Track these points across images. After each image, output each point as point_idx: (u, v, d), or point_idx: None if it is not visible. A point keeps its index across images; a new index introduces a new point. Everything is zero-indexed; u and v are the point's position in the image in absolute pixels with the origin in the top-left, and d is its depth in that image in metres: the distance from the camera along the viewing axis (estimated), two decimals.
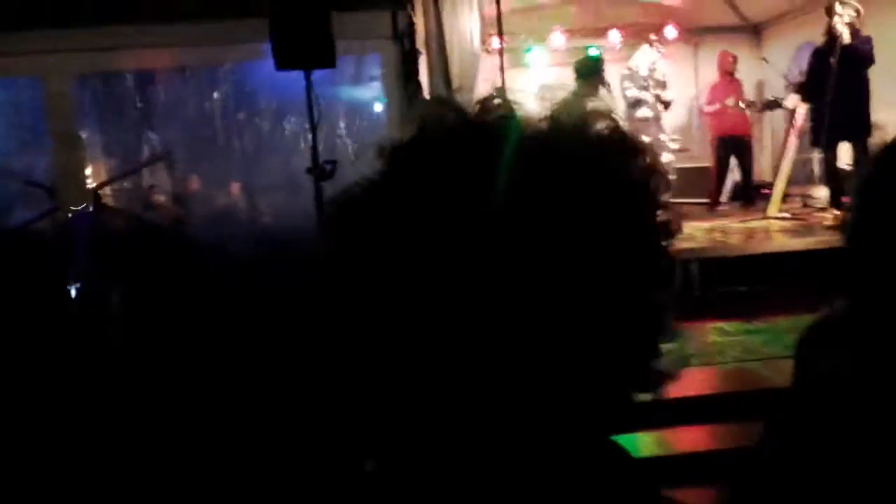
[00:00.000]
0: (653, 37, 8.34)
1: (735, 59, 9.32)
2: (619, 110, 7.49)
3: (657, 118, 7.41)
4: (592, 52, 9.51)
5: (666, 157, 7.36)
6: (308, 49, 4.99)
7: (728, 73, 9.28)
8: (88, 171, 6.28)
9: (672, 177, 7.42)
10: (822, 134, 6.93)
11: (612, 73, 8.68)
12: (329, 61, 5.06)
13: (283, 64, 5.02)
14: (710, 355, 4.72)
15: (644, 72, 7.36)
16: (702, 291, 6.17)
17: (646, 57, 7.48)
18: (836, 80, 6.68)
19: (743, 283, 6.23)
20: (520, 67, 10.62)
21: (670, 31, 9.97)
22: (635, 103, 7.34)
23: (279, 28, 4.93)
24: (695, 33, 10.76)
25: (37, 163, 6.19)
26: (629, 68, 7.51)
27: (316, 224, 5.05)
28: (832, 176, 7.11)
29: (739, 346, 4.88)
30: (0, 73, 6.11)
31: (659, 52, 7.66)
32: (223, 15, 5.50)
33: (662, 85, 7.46)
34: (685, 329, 5.31)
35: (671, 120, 8.27)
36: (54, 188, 5.81)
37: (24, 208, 5.96)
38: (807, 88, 7.32)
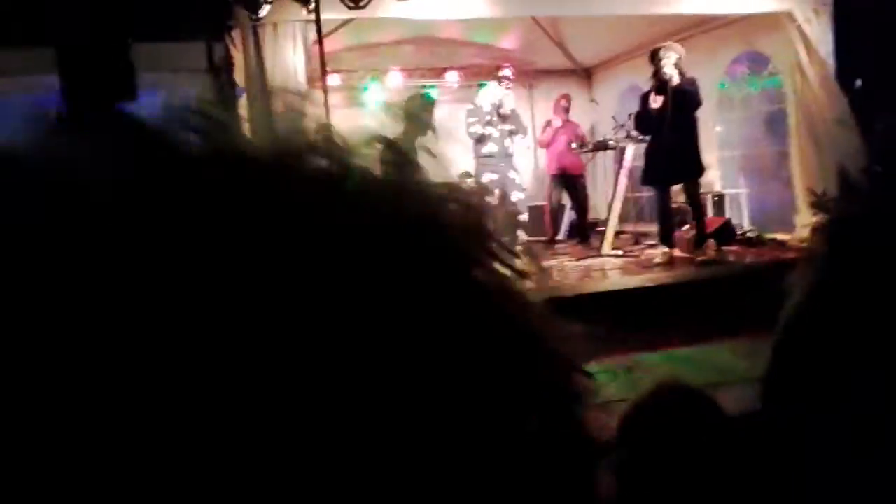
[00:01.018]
0: (505, 72, 8.32)
1: (568, 100, 9.52)
2: (463, 149, 7.37)
3: (507, 154, 7.29)
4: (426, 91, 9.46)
5: (516, 196, 7.27)
6: (104, 82, 4.47)
7: (562, 113, 9.48)
8: None
9: (524, 216, 7.34)
10: (654, 174, 7.06)
11: (452, 112, 8.65)
12: (128, 95, 4.56)
13: (74, 98, 4.47)
14: None
15: (487, 107, 7.26)
16: None
17: (491, 93, 7.40)
18: (666, 121, 6.84)
19: (579, 323, 6.16)
20: (357, 106, 10.40)
21: (506, 73, 10.08)
22: (480, 139, 7.23)
23: (68, 59, 4.39)
24: (529, 75, 10.97)
25: None
26: (473, 104, 7.41)
27: None
28: (663, 214, 7.25)
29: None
30: None
31: (507, 88, 7.58)
32: (9, 42, 4.87)
33: (509, 119, 7.35)
34: None
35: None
36: None
37: None
38: (637, 127, 7.46)
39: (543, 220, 9.56)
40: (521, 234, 7.34)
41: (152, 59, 5.33)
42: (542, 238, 9.37)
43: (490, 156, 7.24)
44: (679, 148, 6.84)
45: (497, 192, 7.20)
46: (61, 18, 4.32)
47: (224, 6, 5.54)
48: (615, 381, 4.86)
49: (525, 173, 10.02)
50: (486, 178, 7.22)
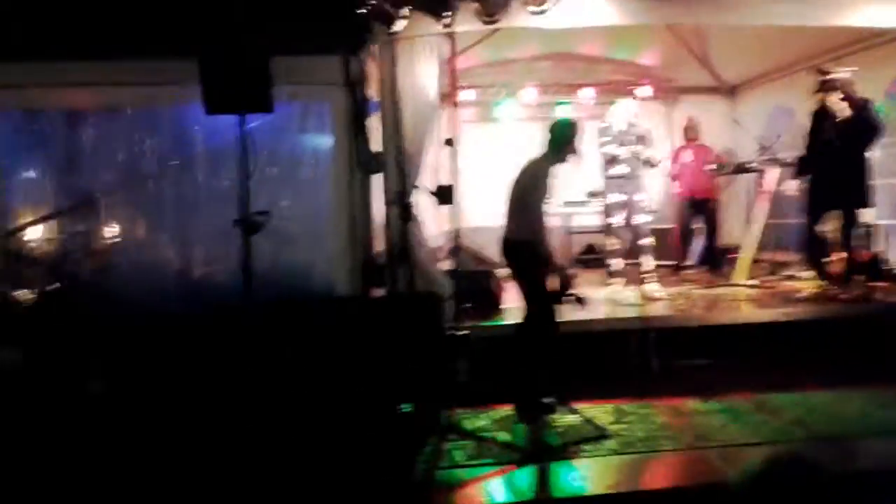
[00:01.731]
0: (642, 90, 8.05)
1: (695, 123, 9.17)
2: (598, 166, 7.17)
3: (635, 176, 7.02)
4: (562, 113, 9.30)
5: (642, 218, 7.01)
6: (242, 93, 4.66)
7: (690, 137, 9.15)
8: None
9: (650, 239, 7.09)
10: (820, 203, 6.66)
11: (587, 129, 8.49)
12: (265, 106, 4.73)
13: (213, 108, 4.69)
14: (659, 440, 4.32)
15: (622, 126, 7.02)
16: (658, 364, 5.82)
17: (624, 110, 7.14)
18: (836, 151, 6.44)
19: (703, 356, 5.88)
20: (489, 121, 10.43)
21: (645, 90, 9.81)
22: (611, 160, 7.00)
23: (210, 70, 4.61)
24: (669, 93, 10.62)
25: None
26: (606, 122, 7.18)
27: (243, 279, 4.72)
28: (819, 244, 6.80)
29: (694, 430, 4.49)
30: None
31: (637, 100, 7.32)
32: (156, 55, 5.20)
33: (643, 140, 7.07)
34: (636, 407, 4.93)
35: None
36: None
37: None
38: (806, 155, 6.92)
39: (672, 243, 9.24)
40: (649, 259, 7.06)
41: (292, 71, 5.54)
42: (671, 263, 9.04)
43: (619, 176, 7.00)
44: (847, 175, 6.42)
45: (623, 213, 6.97)
46: (205, 32, 4.56)
47: (361, 21, 5.66)
48: (737, 421, 4.60)
49: (656, 195, 9.71)
50: (614, 198, 6.99)
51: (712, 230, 8.87)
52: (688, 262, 9.12)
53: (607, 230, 7.13)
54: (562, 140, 5.03)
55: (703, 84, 10.66)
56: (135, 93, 5.58)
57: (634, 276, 7.08)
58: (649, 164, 7.17)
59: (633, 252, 7.06)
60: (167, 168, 5.84)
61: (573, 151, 5.05)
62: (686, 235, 9.02)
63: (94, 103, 5.73)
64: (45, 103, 5.66)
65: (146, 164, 5.84)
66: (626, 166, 6.96)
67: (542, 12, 5.67)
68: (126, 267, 5.75)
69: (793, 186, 7.06)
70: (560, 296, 4.76)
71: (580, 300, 4.80)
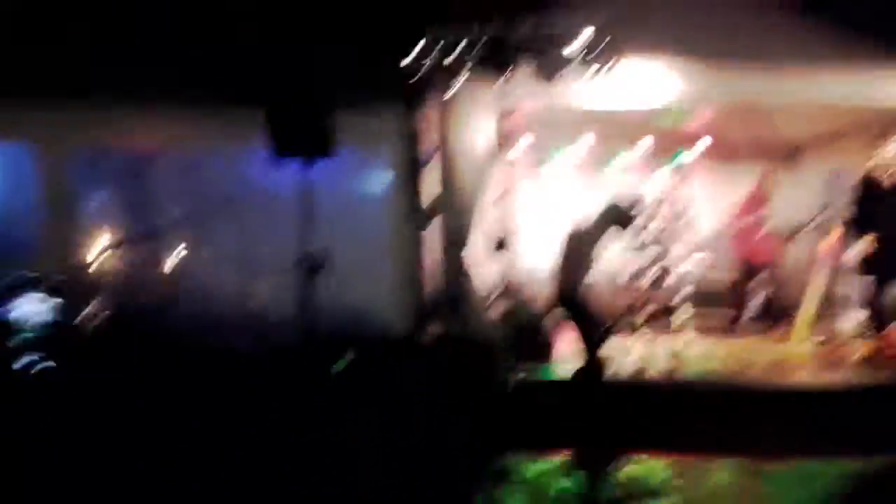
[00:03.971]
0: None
1: (769, 180, 9.10)
2: None
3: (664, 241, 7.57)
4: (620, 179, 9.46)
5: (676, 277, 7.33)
6: (307, 141, 4.93)
7: (758, 195, 9.08)
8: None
9: (688, 288, 7.23)
10: (879, 266, 6.61)
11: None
12: (327, 153, 4.99)
13: (280, 152, 4.97)
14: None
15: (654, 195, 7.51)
16: (715, 424, 5.69)
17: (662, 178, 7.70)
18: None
19: (759, 419, 5.73)
20: (545, 169, 10.40)
21: (702, 144, 9.72)
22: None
23: (278, 119, 4.90)
24: (730, 149, 10.49)
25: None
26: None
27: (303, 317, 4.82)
28: (877, 307, 6.68)
29: (745, 496, 4.36)
30: None
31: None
32: (225, 102, 5.47)
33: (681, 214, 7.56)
34: (685, 466, 4.81)
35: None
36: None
37: None
38: (856, 218, 6.90)
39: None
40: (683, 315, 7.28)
41: (349, 128, 5.76)
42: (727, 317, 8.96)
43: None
44: None
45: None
46: (275, 84, 4.84)
47: (420, 83, 5.85)
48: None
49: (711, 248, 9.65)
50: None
51: (771, 288, 8.78)
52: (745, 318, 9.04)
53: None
54: (616, 222, 5.32)
55: (765, 142, 10.51)
56: (204, 136, 5.85)
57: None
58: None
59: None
60: (230, 208, 6.06)
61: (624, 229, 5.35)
62: (743, 292, 8.93)
63: (163, 145, 6.00)
64: (117, 142, 5.96)
65: (209, 204, 6.06)
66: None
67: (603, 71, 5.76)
68: (187, 300, 5.94)
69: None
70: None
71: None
